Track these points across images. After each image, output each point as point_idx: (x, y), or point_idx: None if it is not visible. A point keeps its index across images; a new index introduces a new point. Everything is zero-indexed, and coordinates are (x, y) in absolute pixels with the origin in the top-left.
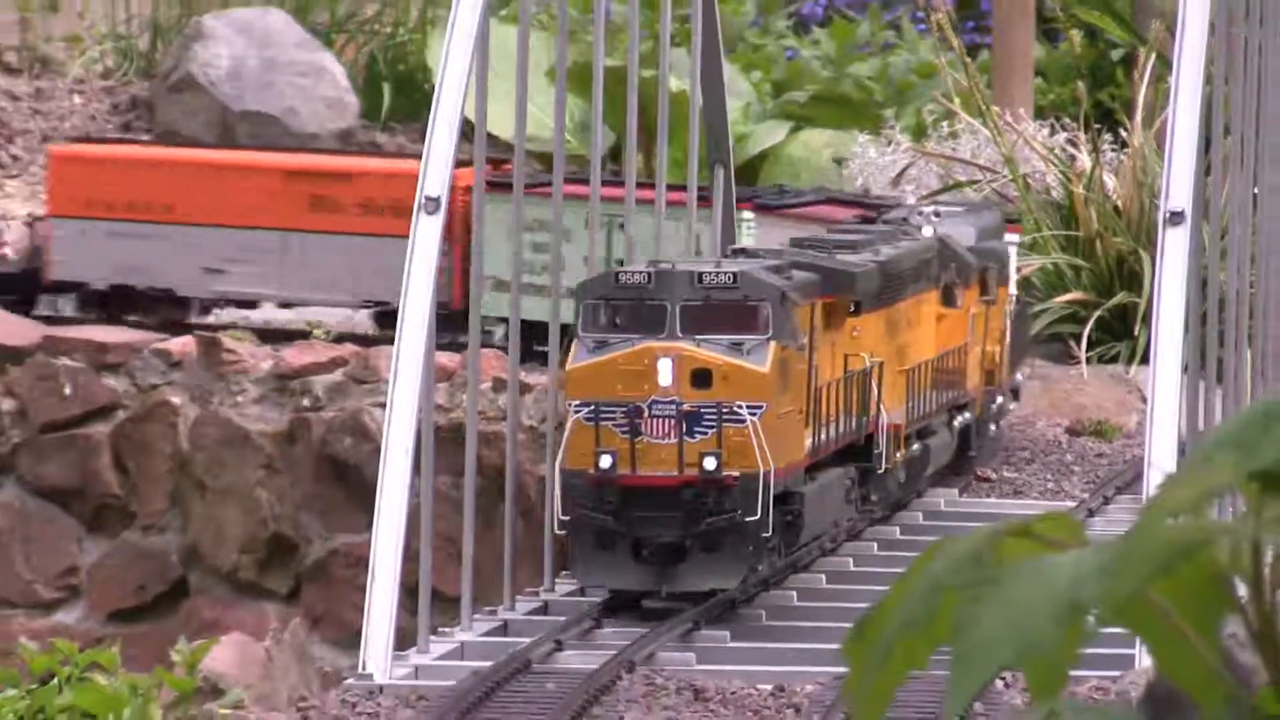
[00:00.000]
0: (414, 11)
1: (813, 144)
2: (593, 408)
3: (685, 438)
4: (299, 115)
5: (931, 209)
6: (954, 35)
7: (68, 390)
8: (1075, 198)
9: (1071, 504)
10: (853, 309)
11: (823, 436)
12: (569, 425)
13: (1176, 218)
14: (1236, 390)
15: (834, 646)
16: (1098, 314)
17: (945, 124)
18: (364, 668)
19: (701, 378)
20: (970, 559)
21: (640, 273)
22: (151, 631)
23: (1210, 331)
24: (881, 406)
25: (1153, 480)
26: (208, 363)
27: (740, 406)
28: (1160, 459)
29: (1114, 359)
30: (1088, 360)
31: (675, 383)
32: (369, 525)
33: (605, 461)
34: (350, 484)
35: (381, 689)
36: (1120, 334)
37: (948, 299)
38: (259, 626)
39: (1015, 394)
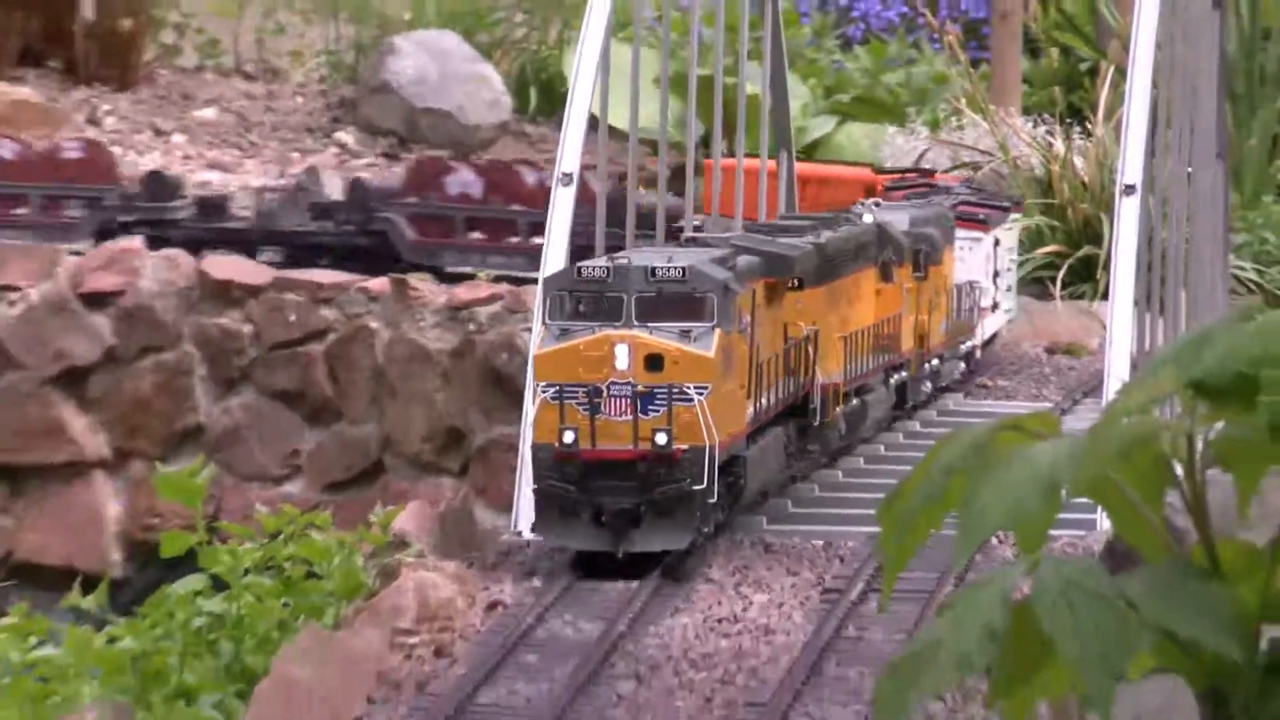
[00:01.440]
0: (553, 33)
1: (854, 134)
2: (557, 388)
3: (639, 415)
4: (466, 112)
5: (872, 200)
6: (961, 52)
7: (292, 318)
8: (1052, 174)
9: (1049, 405)
10: (795, 285)
11: (763, 403)
12: (536, 404)
13: (1129, 190)
14: (1174, 321)
15: (870, 512)
16: (1069, 262)
17: (955, 119)
18: (515, 527)
19: (654, 362)
20: (974, 447)
21: (600, 267)
22: (355, 500)
23: (1154, 276)
24: (817, 369)
25: (1111, 388)
26: (398, 297)
27: (689, 388)
28: (1117, 372)
29: (1081, 296)
30: (1061, 297)
31: (631, 366)
32: (519, 419)
33: (568, 437)
34: (505, 389)
35: (529, 544)
36: (1086, 278)
37: (885, 275)
38: (436, 496)
39: (968, 359)
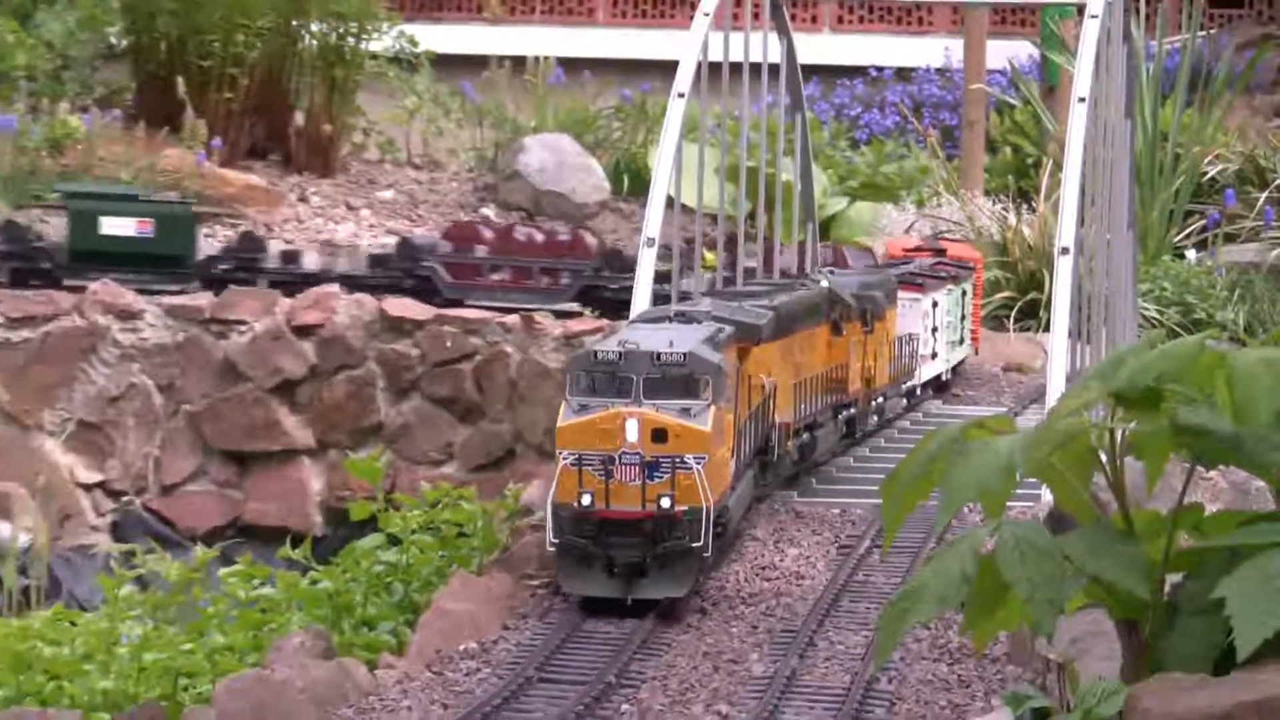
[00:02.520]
0: (640, 136)
1: (861, 211)
2: (577, 456)
3: (647, 481)
4: (576, 193)
5: (829, 269)
6: (939, 150)
7: (448, 344)
8: (1007, 240)
9: (1005, 409)
10: (756, 341)
11: (743, 456)
12: (558, 469)
13: (1065, 251)
14: (1098, 348)
15: (875, 488)
16: (1019, 304)
17: (935, 199)
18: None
19: (659, 435)
20: (951, 439)
21: (613, 352)
22: (494, 478)
23: (1083, 315)
24: (775, 414)
25: (1052, 397)
26: (526, 329)
27: (688, 457)
28: (1055, 385)
29: (1028, 329)
30: (1013, 329)
31: (640, 439)
32: None
33: (586, 499)
34: None
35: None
36: (1032, 315)
37: (835, 330)
38: (553, 476)
39: (909, 395)
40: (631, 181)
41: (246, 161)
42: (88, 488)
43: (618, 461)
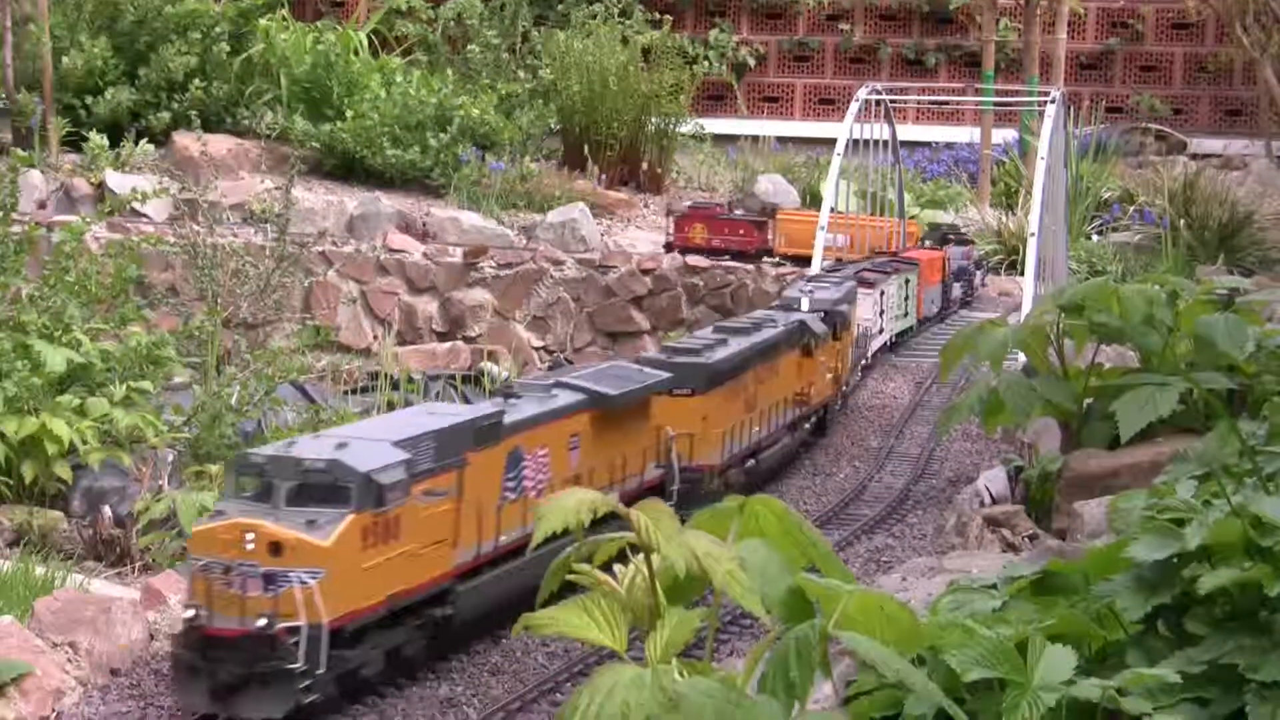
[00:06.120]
0: (816, 175)
1: (927, 214)
2: (203, 564)
3: (261, 594)
4: (784, 205)
5: (810, 285)
6: (968, 183)
7: (718, 278)
8: (1002, 229)
9: (1001, 315)
10: (690, 393)
11: (491, 542)
12: (191, 574)
13: (1032, 234)
14: (1049, 283)
15: (935, 352)
16: (1007, 262)
17: (965, 207)
18: None
19: (275, 548)
20: (975, 328)
21: (263, 456)
22: None
23: (1042, 266)
24: (690, 455)
25: (1026, 308)
26: (757, 270)
27: (301, 573)
28: (1028, 302)
29: (1012, 273)
30: (1004, 274)
31: (256, 550)
32: None
33: (190, 613)
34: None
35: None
36: (1013, 267)
37: (805, 353)
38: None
39: (864, 369)
40: (812, 199)
41: (617, 188)
42: (536, 349)
43: (232, 571)
